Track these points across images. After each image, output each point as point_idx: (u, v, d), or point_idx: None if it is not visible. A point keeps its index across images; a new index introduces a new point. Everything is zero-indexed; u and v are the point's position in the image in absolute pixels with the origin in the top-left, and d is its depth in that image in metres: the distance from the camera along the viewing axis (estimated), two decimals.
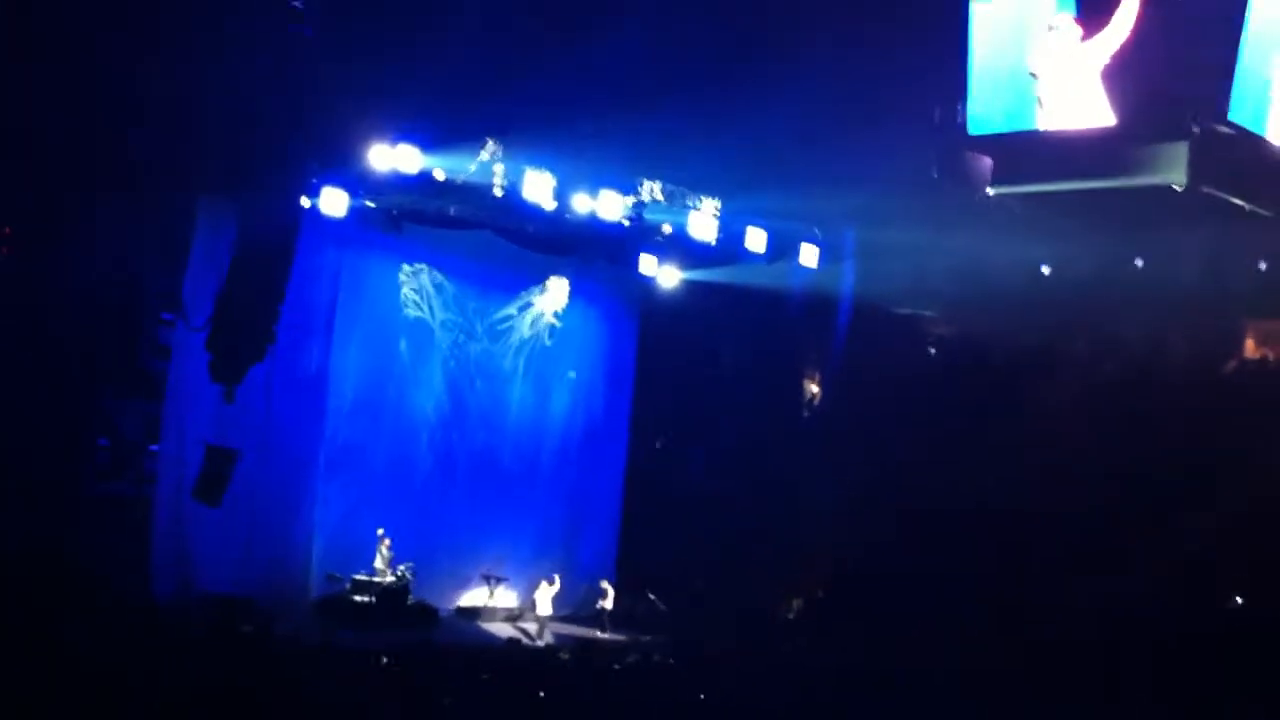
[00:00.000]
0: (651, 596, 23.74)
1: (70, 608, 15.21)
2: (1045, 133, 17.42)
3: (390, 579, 21.30)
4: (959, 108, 18.24)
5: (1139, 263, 21.56)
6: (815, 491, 22.98)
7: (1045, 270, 22.55)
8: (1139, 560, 19.26)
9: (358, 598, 20.94)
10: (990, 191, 18.85)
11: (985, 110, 17.92)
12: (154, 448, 20.55)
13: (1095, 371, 22.19)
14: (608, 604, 23.16)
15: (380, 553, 21.48)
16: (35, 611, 14.24)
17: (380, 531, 21.60)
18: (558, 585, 22.89)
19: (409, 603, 21.50)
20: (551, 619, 22.66)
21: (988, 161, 18.85)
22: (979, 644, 18.59)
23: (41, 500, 17.91)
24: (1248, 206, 17.54)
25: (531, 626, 22.59)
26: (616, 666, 17.95)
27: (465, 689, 14.98)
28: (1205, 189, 16.83)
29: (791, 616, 23.12)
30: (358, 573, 21.23)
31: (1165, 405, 20.86)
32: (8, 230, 18.77)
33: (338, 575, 21.24)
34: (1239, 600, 19.68)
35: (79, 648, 13.38)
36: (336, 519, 21.85)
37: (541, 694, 14.73)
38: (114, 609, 16.54)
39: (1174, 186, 16.74)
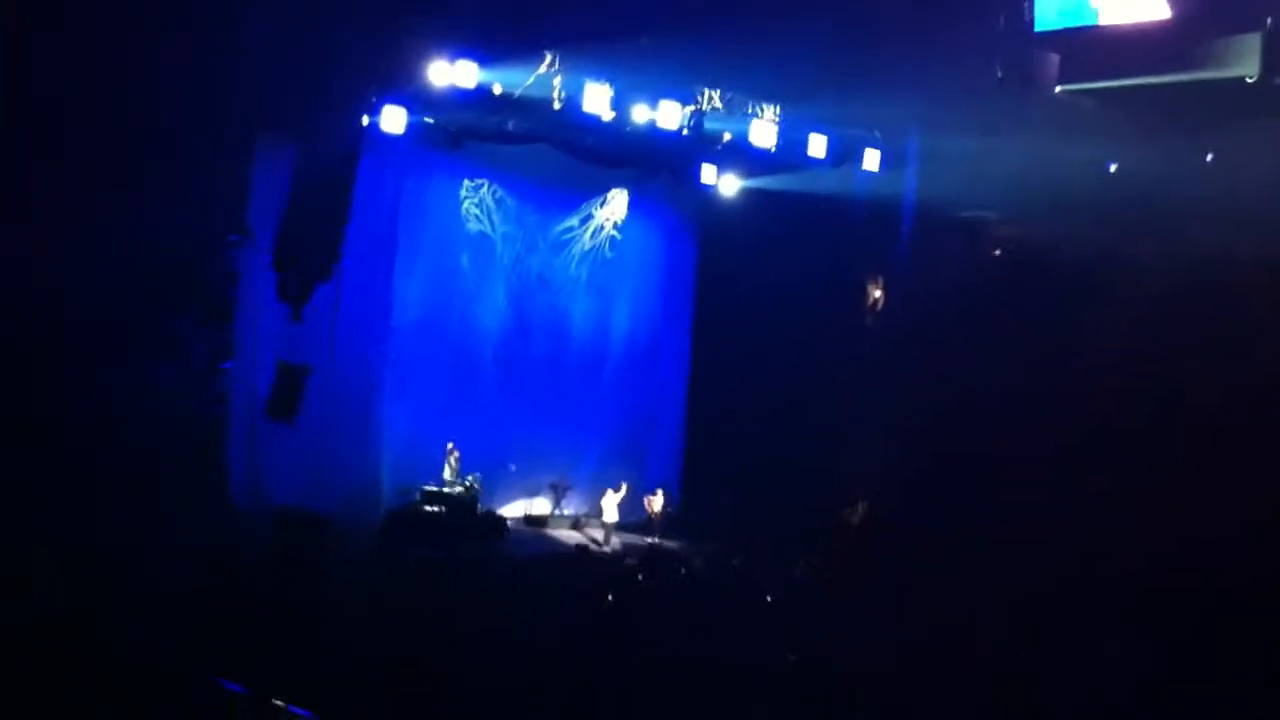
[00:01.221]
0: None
1: (151, 528, 15.72)
2: (1114, 27, 16.95)
3: (459, 490, 21.68)
4: (1025, 4, 17.78)
5: (1209, 159, 21.03)
6: (880, 396, 22.93)
7: (1112, 169, 22.06)
8: (1208, 466, 19.03)
9: (428, 508, 21.35)
10: (1058, 90, 18.43)
11: (1050, 6, 17.47)
12: (226, 365, 20.96)
13: (1164, 271, 21.78)
14: (654, 509, 23.51)
15: (449, 464, 21.86)
16: (116, 534, 14.76)
17: (450, 445, 21.98)
18: (624, 492, 23.17)
19: (478, 512, 21.89)
20: (618, 526, 22.98)
21: (1055, 60, 18.41)
22: (1038, 558, 18.58)
23: (117, 424, 18.39)
24: None
25: (598, 533, 22.96)
26: (683, 570, 18.29)
27: (536, 595, 15.38)
28: (1279, 81, 16.35)
29: (856, 522, 23.20)
30: (427, 484, 21.62)
31: (1236, 305, 20.48)
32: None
33: (408, 488, 21.64)
34: None
35: (162, 565, 13.89)
36: (404, 432, 22.24)
37: (610, 598, 15.08)
38: (194, 527, 17.06)
39: (1246, 79, 16.27)
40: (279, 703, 9.44)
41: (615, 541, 22.57)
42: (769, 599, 16.10)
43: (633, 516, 23.84)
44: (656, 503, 23.76)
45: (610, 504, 23.06)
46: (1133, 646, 14.31)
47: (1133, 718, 11.97)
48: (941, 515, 20.71)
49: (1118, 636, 14.61)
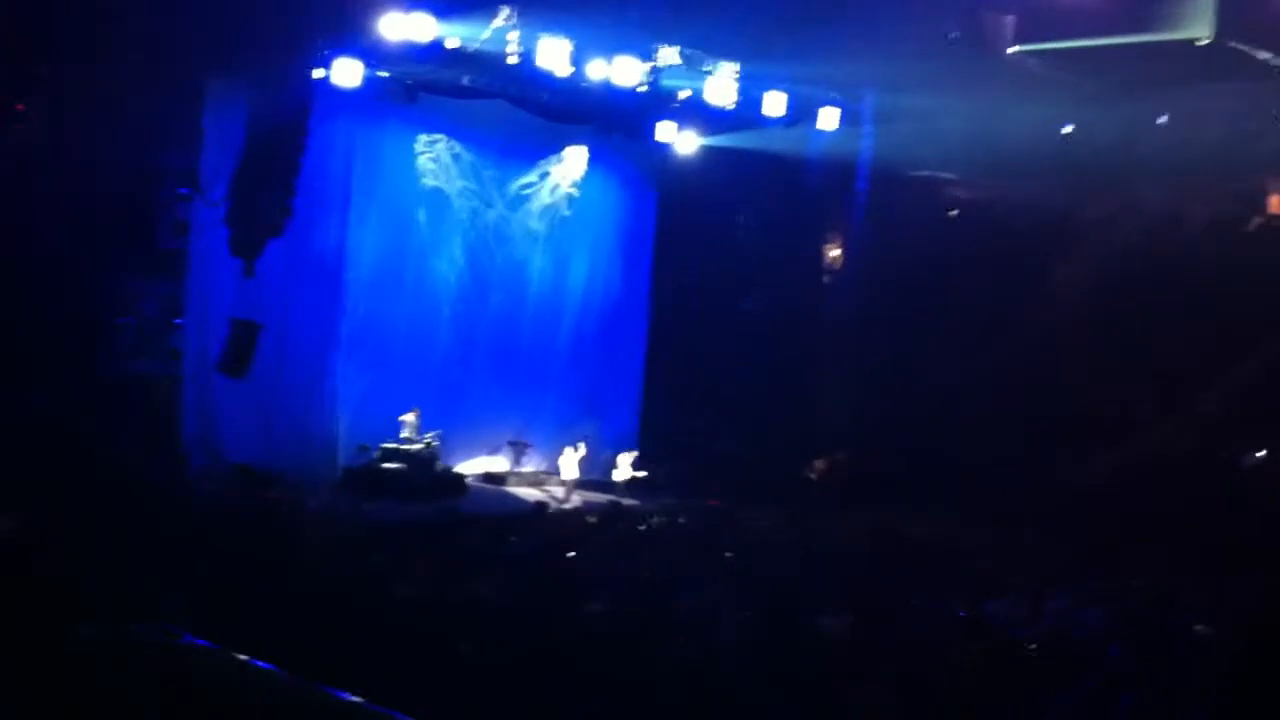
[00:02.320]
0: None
1: (101, 486, 15.52)
2: None
3: (418, 447, 21.59)
4: None
5: (1162, 121, 21.29)
6: (839, 353, 23.12)
7: (1066, 131, 22.27)
8: (1157, 424, 19.43)
9: (386, 466, 21.24)
10: (1012, 51, 18.56)
11: None
12: (177, 322, 20.72)
13: (1116, 233, 22.09)
14: (619, 475, 23.52)
15: (408, 422, 21.73)
16: (65, 492, 14.56)
17: (416, 410, 21.85)
18: (583, 450, 23.18)
19: (437, 470, 21.82)
20: (577, 484, 22.99)
21: (1009, 20, 18.55)
22: (997, 512, 18.88)
23: (66, 380, 18.14)
24: (1275, 61, 17.27)
25: (558, 490, 22.95)
26: (642, 528, 18.37)
27: (495, 552, 15.39)
28: (1231, 44, 16.57)
29: (814, 478, 23.40)
30: (385, 442, 21.50)
31: (1187, 267, 20.81)
32: (20, 107, 18.66)
33: (367, 445, 21.50)
34: (1259, 455, 19.92)
35: (115, 522, 13.73)
36: (360, 389, 21.98)
37: (571, 554, 15.11)
38: (146, 484, 16.88)
39: (1199, 41, 16.48)
40: (242, 657, 9.38)
41: (575, 499, 22.57)
42: (729, 554, 16.18)
43: (593, 474, 23.88)
44: (626, 462, 23.69)
45: (569, 461, 23.04)
46: (1090, 579, 14.62)
47: (1089, 645, 12.30)
48: (903, 467, 20.98)
49: (1078, 579, 14.91)
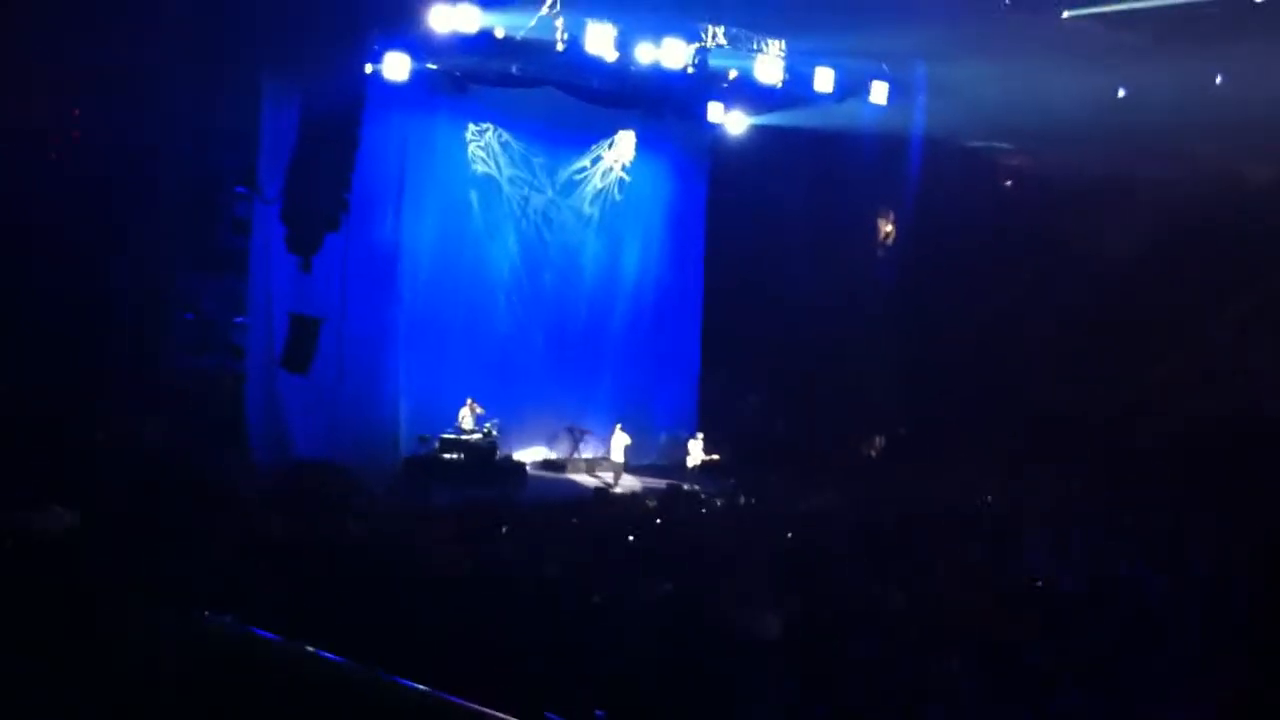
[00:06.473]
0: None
1: (167, 481, 15.80)
2: None
3: (477, 436, 21.76)
4: None
5: (1219, 81, 20.87)
6: (894, 330, 22.95)
7: (1121, 94, 21.89)
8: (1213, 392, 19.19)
9: (447, 456, 21.42)
10: (1066, 15, 18.28)
11: None
12: (239, 320, 21.01)
13: (1172, 198, 21.70)
14: (692, 460, 23.49)
15: (467, 412, 21.88)
16: (131, 488, 14.83)
17: (469, 401, 22.00)
18: (627, 437, 23.22)
19: (496, 459, 21.98)
20: (632, 468, 23.00)
21: None
22: (1059, 483, 18.71)
23: (130, 377, 18.47)
24: None
25: (608, 475, 23.00)
26: (703, 511, 18.39)
27: (556, 536, 15.48)
28: None
29: (874, 455, 23.30)
30: (445, 432, 21.69)
31: (1245, 230, 20.42)
32: (76, 112, 18.99)
33: (427, 436, 21.71)
34: None
35: (181, 516, 13.99)
36: (419, 379, 22.22)
37: (631, 538, 15.16)
38: (211, 479, 17.15)
39: None
40: (310, 648, 9.54)
41: (634, 483, 22.58)
42: (790, 535, 16.15)
43: (649, 458, 23.90)
44: (697, 447, 23.65)
45: (618, 445, 23.10)
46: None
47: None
48: (960, 443, 20.81)
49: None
